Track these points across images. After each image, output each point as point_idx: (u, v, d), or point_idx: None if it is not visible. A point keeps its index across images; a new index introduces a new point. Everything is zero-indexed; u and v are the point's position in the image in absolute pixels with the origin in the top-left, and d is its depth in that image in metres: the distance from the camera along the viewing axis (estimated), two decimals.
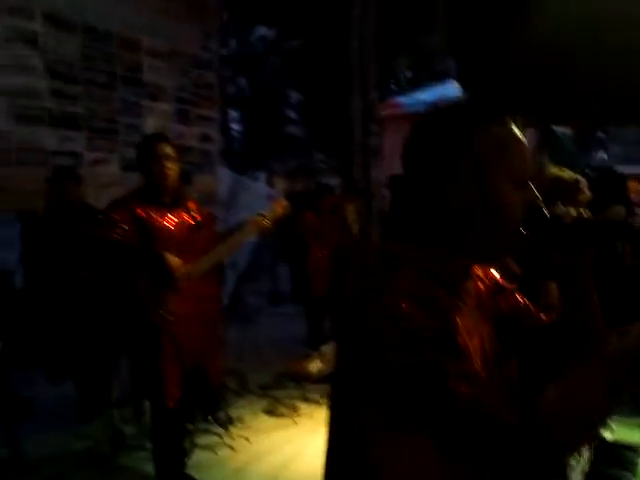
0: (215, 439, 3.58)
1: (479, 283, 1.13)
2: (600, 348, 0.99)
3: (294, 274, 5.69)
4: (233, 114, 11.76)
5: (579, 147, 10.84)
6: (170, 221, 2.82)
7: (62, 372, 3.86)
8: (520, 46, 5.25)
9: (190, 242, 2.84)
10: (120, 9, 5.15)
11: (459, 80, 6.59)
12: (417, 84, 9.88)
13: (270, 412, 4.03)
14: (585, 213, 1.33)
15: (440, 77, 9.24)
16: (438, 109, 1.11)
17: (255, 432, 3.69)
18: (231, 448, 3.48)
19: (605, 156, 13.17)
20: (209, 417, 3.72)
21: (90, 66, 4.91)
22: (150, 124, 5.41)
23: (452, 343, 0.91)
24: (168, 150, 2.80)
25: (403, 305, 0.89)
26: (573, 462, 1.45)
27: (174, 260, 2.70)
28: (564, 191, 3.04)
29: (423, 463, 0.94)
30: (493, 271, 1.19)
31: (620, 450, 1.50)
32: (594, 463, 1.44)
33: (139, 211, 2.73)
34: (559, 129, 8.87)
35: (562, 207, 1.19)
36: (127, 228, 2.69)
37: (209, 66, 6.26)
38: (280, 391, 4.34)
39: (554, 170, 3.23)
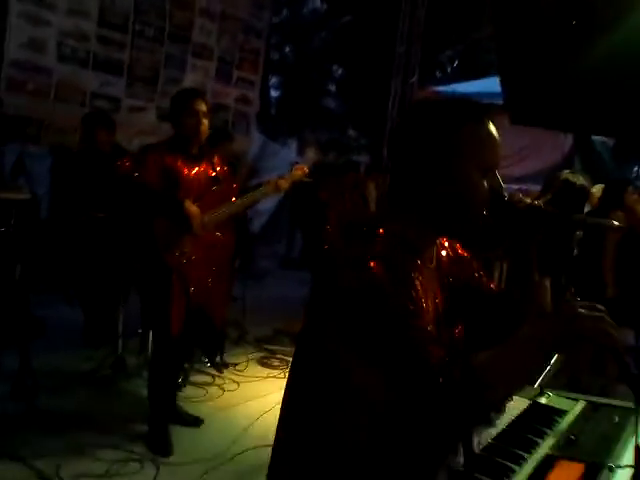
0: (208, 379, 3.86)
1: (443, 251, 1.31)
2: (533, 322, 1.14)
3: (307, 241, 5.91)
4: (274, 79, 11.90)
5: (617, 158, 10.70)
6: (194, 171, 3.02)
7: (74, 298, 4.17)
8: (567, 54, 5.28)
9: (210, 193, 3.06)
10: None
11: (500, 76, 6.63)
12: (463, 75, 9.87)
13: (264, 363, 4.28)
14: (539, 203, 1.52)
15: (486, 71, 9.22)
16: (424, 103, 1.30)
17: (246, 378, 3.95)
18: (221, 389, 3.75)
19: None
20: (206, 359, 4.01)
21: (142, 19, 5.13)
22: (191, 79, 5.63)
23: (407, 298, 1.07)
24: (202, 106, 2.99)
25: (372, 264, 1.07)
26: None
27: (193, 208, 2.90)
28: (571, 195, 3.18)
29: (374, 400, 1.10)
30: (457, 243, 1.36)
31: (547, 411, 1.71)
32: (522, 417, 1.65)
33: (167, 158, 2.93)
34: (599, 138, 8.80)
35: (519, 195, 1.37)
36: (153, 172, 2.89)
37: (258, 34, 6.41)
38: (276, 346, 4.58)
39: (567, 174, 3.35)
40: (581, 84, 5.45)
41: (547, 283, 2.95)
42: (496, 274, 6.48)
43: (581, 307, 1.07)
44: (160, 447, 2.96)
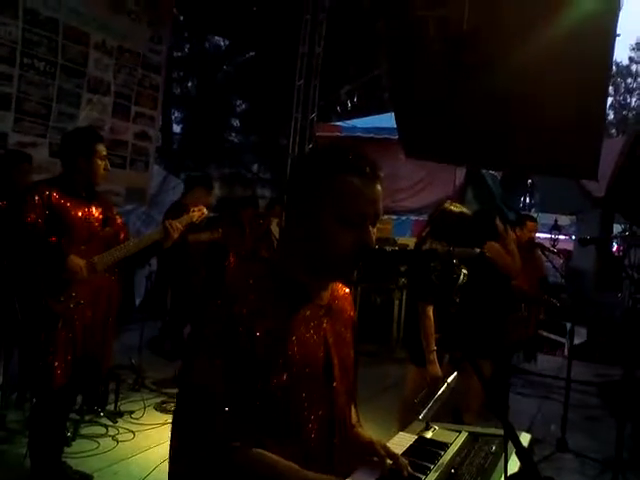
0: (100, 430, 3.65)
1: (326, 294, 1.31)
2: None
3: (209, 280, 5.80)
4: (176, 114, 11.77)
5: (506, 190, 11.49)
6: (83, 213, 2.92)
7: None
8: (455, 91, 5.60)
9: (99, 235, 2.97)
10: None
11: (395, 111, 6.92)
12: (363, 110, 10.21)
13: (162, 408, 4.12)
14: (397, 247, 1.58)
15: (385, 106, 9.62)
16: (313, 150, 1.40)
17: (143, 426, 3.78)
18: (115, 440, 3.56)
19: (527, 200, 14.04)
20: (98, 409, 3.79)
21: (31, 52, 4.93)
22: (86, 115, 5.46)
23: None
24: (103, 149, 2.96)
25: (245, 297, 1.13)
26: None
27: (76, 262, 2.77)
28: (451, 223, 3.30)
29: None
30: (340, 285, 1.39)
31: (431, 445, 1.77)
32: (407, 453, 1.68)
33: (55, 198, 2.82)
34: (488, 171, 9.38)
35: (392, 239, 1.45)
36: (38, 212, 2.76)
37: (157, 69, 6.33)
38: (176, 390, 4.40)
39: (446, 205, 3.47)
40: (469, 121, 5.77)
41: (429, 311, 3.09)
42: (396, 302, 6.72)
43: None
44: None
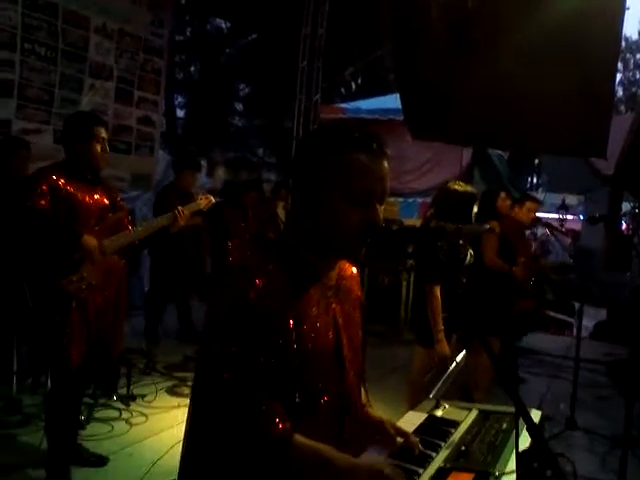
0: (114, 413, 3.69)
1: (335, 274, 1.30)
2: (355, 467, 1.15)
3: (215, 264, 5.82)
4: (179, 99, 11.69)
5: (513, 170, 11.41)
6: (91, 197, 2.93)
7: None
8: (462, 71, 5.53)
9: (106, 219, 2.98)
10: None
11: (400, 92, 6.85)
12: (367, 92, 10.14)
13: (174, 392, 4.16)
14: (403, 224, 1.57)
15: (389, 87, 9.53)
16: (317, 129, 1.36)
17: (155, 410, 3.82)
18: (128, 423, 3.60)
19: (534, 180, 13.95)
20: (111, 393, 3.83)
21: (31, 37, 4.90)
22: (89, 100, 5.44)
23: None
24: (104, 133, 2.94)
25: (257, 281, 1.09)
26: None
27: (91, 242, 2.79)
28: (456, 202, 3.28)
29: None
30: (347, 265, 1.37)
31: (441, 424, 1.76)
32: (418, 431, 1.68)
33: (63, 183, 2.82)
34: (495, 151, 9.30)
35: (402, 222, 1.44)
36: (47, 198, 2.76)
37: (159, 53, 6.28)
38: (187, 373, 4.44)
39: (449, 184, 3.44)
40: (475, 101, 5.71)
41: (437, 291, 3.09)
42: (404, 283, 6.71)
43: (389, 470, 1.13)
44: None
